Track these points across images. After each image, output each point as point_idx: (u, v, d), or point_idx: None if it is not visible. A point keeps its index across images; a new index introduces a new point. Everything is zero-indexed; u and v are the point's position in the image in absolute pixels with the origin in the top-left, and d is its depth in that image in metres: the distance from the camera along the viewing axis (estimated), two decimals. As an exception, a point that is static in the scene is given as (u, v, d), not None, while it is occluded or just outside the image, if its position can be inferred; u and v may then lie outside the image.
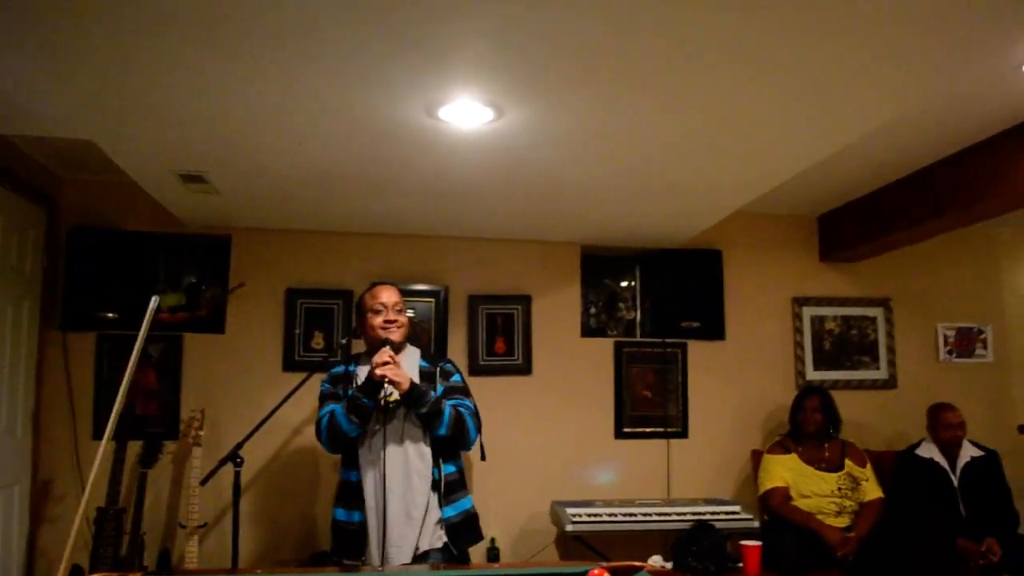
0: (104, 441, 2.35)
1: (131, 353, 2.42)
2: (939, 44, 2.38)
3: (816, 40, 2.33)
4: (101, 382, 4.56)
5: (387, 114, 2.96)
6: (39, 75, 2.70)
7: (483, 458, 3.43)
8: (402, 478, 3.18)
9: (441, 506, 3.20)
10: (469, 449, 3.30)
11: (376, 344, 3.28)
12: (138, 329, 2.47)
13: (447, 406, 3.18)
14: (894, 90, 2.73)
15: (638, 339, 5.22)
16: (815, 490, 4.43)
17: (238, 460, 3.98)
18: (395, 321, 3.32)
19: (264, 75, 2.64)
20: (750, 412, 5.19)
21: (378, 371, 3.07)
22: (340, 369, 3.45)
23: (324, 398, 3.38)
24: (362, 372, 3.32)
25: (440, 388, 3.30)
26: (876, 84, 2.67)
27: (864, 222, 4.95)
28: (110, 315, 4.44)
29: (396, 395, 3.06)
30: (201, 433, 4.28)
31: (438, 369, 3.38)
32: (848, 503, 4.42)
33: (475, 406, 3.34)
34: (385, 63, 2.54)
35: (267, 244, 4.80)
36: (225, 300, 4.74)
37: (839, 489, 4.44)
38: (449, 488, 3.25)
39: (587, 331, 5.19)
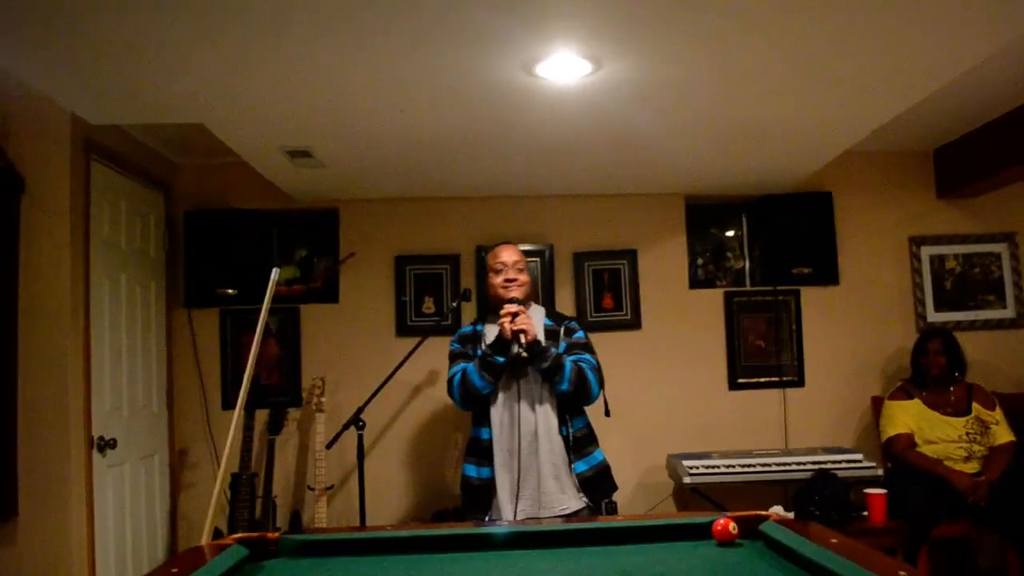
0: (237, 410, 2.47)
1: (252, 327, 2.53)
2: None
3: None
4: (226, 355, 4.79)
5: (484, 74, 2.98)
6: (154, 67, 2.82)
7: (607, 414, 3.44)
8: (532, 435, 3.23)
9: (572, 461, 3.24)
10: (592, 403, 3.32)
11: (498, 302, 3.32)
12: (257, 303, 2.58)
13: (568, 361, 3.20)
14: (1008, 13, 2.56)
15: (748, 288, 5.13)
16: (941, 435, 4.29)
17: (360, 424, 4.12)
18: (515, 280, 3.35)
19: (363, 43, 2.69)
20: (868, 358, 5.04)
21: (507, 323, 3.12)
22: (468, 329, 3.52)
23: (454, 357, 3.44)
24: (490, 330, 3.37)
25: (563, 345, 3.32)
26: (989, 7, 2.51)
27: (983, 154, 4.69)
28: (230, 291, 4.63)
29: (521, 344, 3.08)
30: (323, 400, 4.44)
31: (562, 328, 3.40)
32: (977, 448, 4.26)
33: (598, 362, 3.35)
34: (481, 21, 2.55)
35: (374, 214, 4.91)
36: (337, 271, 4.88)
37: (967, 434, 4.28)
38: (579, 443, 3.28)
39: (695, 282, 5.13)
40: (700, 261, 5.23)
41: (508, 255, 3.40)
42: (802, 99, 3.40)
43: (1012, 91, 4.07)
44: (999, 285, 5.16)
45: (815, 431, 4.96)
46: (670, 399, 4.93)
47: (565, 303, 4.88)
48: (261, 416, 4.55)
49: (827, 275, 4.99)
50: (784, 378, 5.02)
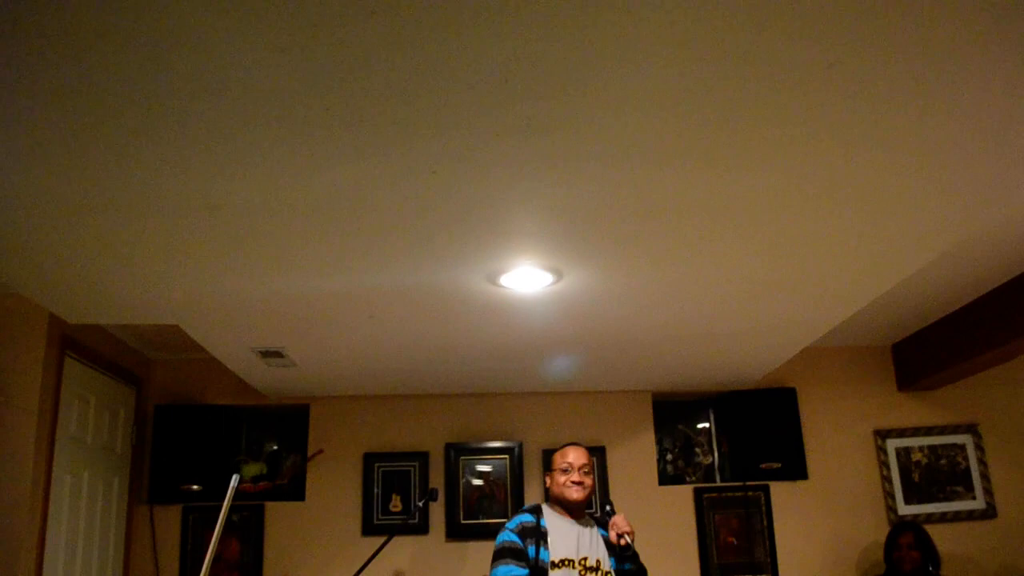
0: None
1: (215, 523, 2.50)
2: (1006, 164, 2.32)
3: (874, 164, 2.30)
4: (186, 553, 4.65)
5: (452, 285, 3.11)
6: (130, 271, 2.92)
7: None
8: None
9: None
10: None
11: (560, 500, 3.45)
12: (222, 499, 2.56)
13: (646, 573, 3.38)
14: (957, 215, 2.66)
15: (718, 484, 5.11)
16: (920, 635, 4.20)
17: (321, 630, 3.97)
18: (581, 483, 3.43)
19: (335, 260, 2.83)
20: (842, 552, 4.97)
21: (614, 527, 3.32)
22: (530, 519, 3.42)
23: (504, 553, 3.32)
24: (552, 526, 3.41)
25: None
26: (937, 211, 2.62)
27: (941, 347, 4.82)
28: (195, 487, 4.56)
29: (625, 541, 3.28)
30: (284, 603, 4.30)
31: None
32: (958, 648, 4.16)
33: None
34: (447, 239, 2.69)
35: (344, 411, 4.93)
36: (304, 467, 4.84)
37: (946, 633, 4.19)
38: None
39: (664, 478, 5.11)
40: (669, 456, 5.24)
41: (576, 457, 3.49)
42: (758, 304, 3.52)
43: (963, 287, 4.22)
44: (967, 476, 5.18)
45: (793, 630, 4.83)
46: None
47: (535, 500, 4.82)
48: (219, 620, 4.38)
49: (795, 470, 4.99)
50: (759, 575, 4.92)
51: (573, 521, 3.44)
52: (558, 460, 3.51)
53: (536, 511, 3.49)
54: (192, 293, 3.15)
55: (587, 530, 3.43)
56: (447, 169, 2.21)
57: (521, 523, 3.41)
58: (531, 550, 3.33)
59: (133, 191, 2.30)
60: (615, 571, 3.34)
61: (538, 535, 3.35)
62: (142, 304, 3.31)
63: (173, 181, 2.24)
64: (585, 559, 3.34)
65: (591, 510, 3.49)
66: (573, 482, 3.41)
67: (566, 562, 3.31)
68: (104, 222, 2.51)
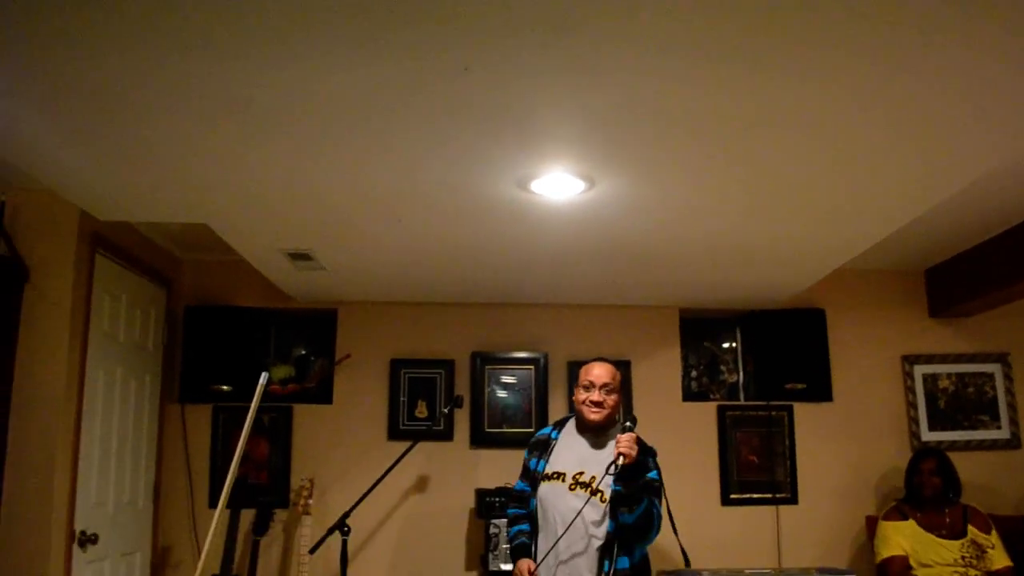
0: (218, 510, 2.45)
1: (244, 423, 2.54)
2: None
3: (915, 86, 2.26)
4: (216, 452, 4.76)
5: (481, 190, 3.07)
6: (161, 167, 2.92)
7: (687, 564, 3.34)
8: (568, 546, 3.16)
9: None
10: (645, 545, 3.27)
11: (579, 419, 3.35)
12: (251, 400, 2.60)
13: (646, 500, 3.10)
14: (997, 139, 2.62)
15: (742, 402, 5.12)
16: (936, 559, 4.22)
17: (345, 529, 4.07)
18: (600, 403, 3.27)
19: (367, 160, 2.80)
20: (862, 476, 5.00)
21: (618, 445, 3.05)
22: (545, 431, 3.51)
23: (522, 469, 3.49)
24: (563, 440, 3.38)
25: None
26: (976, 131, 2.56)
27: (975, 275, 4.75)
28: (225, 388, 4.63)
29: (622, 460, 3.02)
30: (310, 502, 4.40)
31: (642, 462, 3.21)
32: (974, 572, 4.18)
33: (660, 510, 3.19)
34: (478, 142, 2.65)
35: (371, 316, 4.96)
36: (332, 371, 4.90)
37: (963, 558, 4.21)
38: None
39: (688, 395, 5.13)
40: (694, 374, 5.24)
41: (599, 374, 3.30)
42: (791, 221, 3.47)
43: (1002, 213, 4.15)
44: (993, 405, 5.16)
45: (809, 550, 4.88)
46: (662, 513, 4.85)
47: (559, 412, 4.86)
48: (247, 516, 4.50)
49: (820, 391, 4.99)
50: (777, 495, 4.96)
51: (586, 439, 3.35)
52: (582, 375, 3.36)
53: (560, 424, 3.49)
54: (221, 191, 3.14)
55: (599, 451, 3.27)
56: (480, 68, 2.15)
57: (538, 437, 3.48)
58: (532, 462, 3.38)
59: (163, 86, 2.28)
60: (613, 491, 3.14)
61: (545, 448, 3.36)
62: (171, 202, 3.32)
63: (204, 76, 2.21)
64: (580, 474, 3.22)
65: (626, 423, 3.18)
66: (592, 401, 3.26)
67: (556, 475, 3.26)
68: (134, 118, 2.50)
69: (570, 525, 3.09)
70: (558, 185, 3.00)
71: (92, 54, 2.10)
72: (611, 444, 3.17)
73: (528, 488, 3.37)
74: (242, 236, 3.74)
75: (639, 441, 3.14)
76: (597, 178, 2.95)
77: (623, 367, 4.95)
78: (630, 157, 2.78)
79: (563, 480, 3.24)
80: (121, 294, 4.09)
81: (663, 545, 4.74)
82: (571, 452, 3.32)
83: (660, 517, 3.16)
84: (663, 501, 3.24)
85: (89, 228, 3.63)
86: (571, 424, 3.46)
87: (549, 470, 3.30)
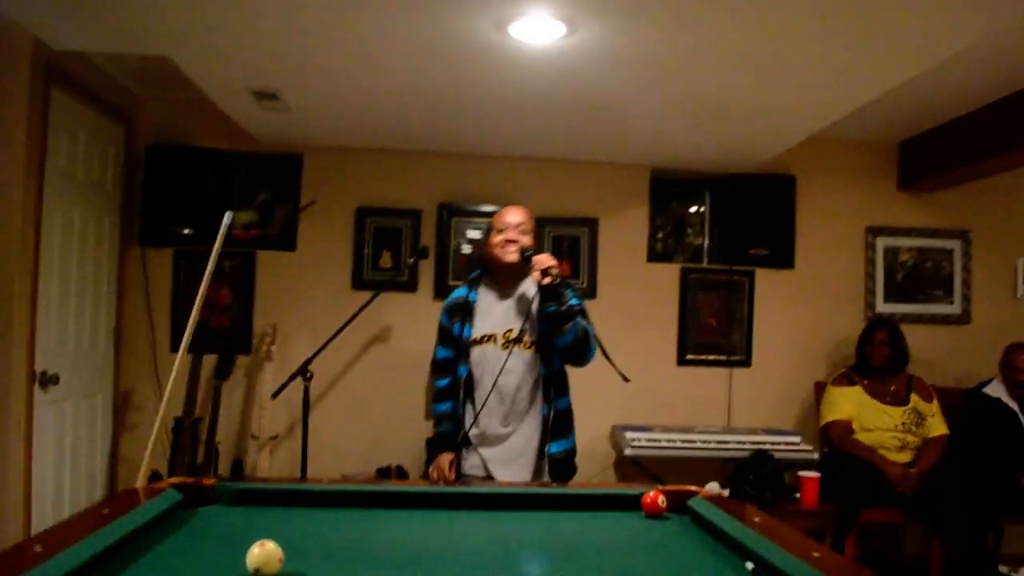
0: (180, 353, 2.45)
1: (206, 268, 2.51)
2: None
3: None
4: (178, 296, 4.73)
5: (456, 29, 2.96)
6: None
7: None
8: (523, 408, 3.15)
9: (547, 442, 3.12)
10: (586, 364, 3.13)
11: (496, 265, 3.19)
12: (213, 245, 2.56)
13: (579, 318, 3.01)
14: (977, 12, 2.59)
15: (705, 266, 5.16)
16: (878, 424, 4.39)
17: (308, 375, 4.11)
18: (516, 241, 3.12)
19: (337, -6, 2.65)
20: (816, 343, 5.13)
21: (536, 264, 2.95)
22: (461, 293, 3.30)
23: (440, 336, 3.32)
24: (482, 299, 3.23)
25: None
26: (955, 7, 2.54)
27: (947, 149, 4.75)
28: (186, 231, 4.57)
29: (549, 279, 2.93)
30: (273, 348, 4.43)
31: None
32: (911, 439, 4.37)
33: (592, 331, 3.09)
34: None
35: (338, 163, 4.86)
36: (296, 218, 4.83)
37: (903, 424, 4.38)
38: (560, 424, 3.16)
39: (653, 256, 5.14)
40: (660, 235, 5.24)
41: (512, 216, 3.18)
42: (770, 80, 3.42)
43: (979, 89, 4.13)
44: (949, 281, 5.27)
45: (758, 412, 5.06)
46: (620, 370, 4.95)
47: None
48: (209, 361, 4.52)
49: (783, 258, 5.06)
50: (732, 357, 5.09)
51: (505, 293, 3.22)
52: (495, 221, 3.24)
53: (473, 283, 3.32)
54: (184, 22, 3.00)
55: (517, 302, 3.18)
56: None
57: (453, 300, 3.31)
58: (456, 328, 3.24)
59: None
60: (544, 315, 3.04)
61: (465, 311, 3.22)
62: (132, 31, 3.17)
63: None
64: (509, 331, 3.14)
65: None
66: (508, 240, 3.12)
67: (486, 338, 3.17)
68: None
69: (494, 387, 3.10)
70: (537, 28, 2.89)
71: None
72: (526, 287, 3.16)
73: (452, 354, 3.25)
74: (206, 72, 3.59)
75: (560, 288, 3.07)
76: (578, 22, 2.85)
77: (590, 224, 4.96)
78: (614, 1, 2.68)
79: (495, 342, 3.15)
80: (78, 131, 3.94)
81: (618, 395, 4.88)
82: (494, 311, 3.21)
83: (594, 335, 3.07)
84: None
85: (43, 59, 3.45)
86: (484, 283, 3.30)
87: (477, 334, 3.18)
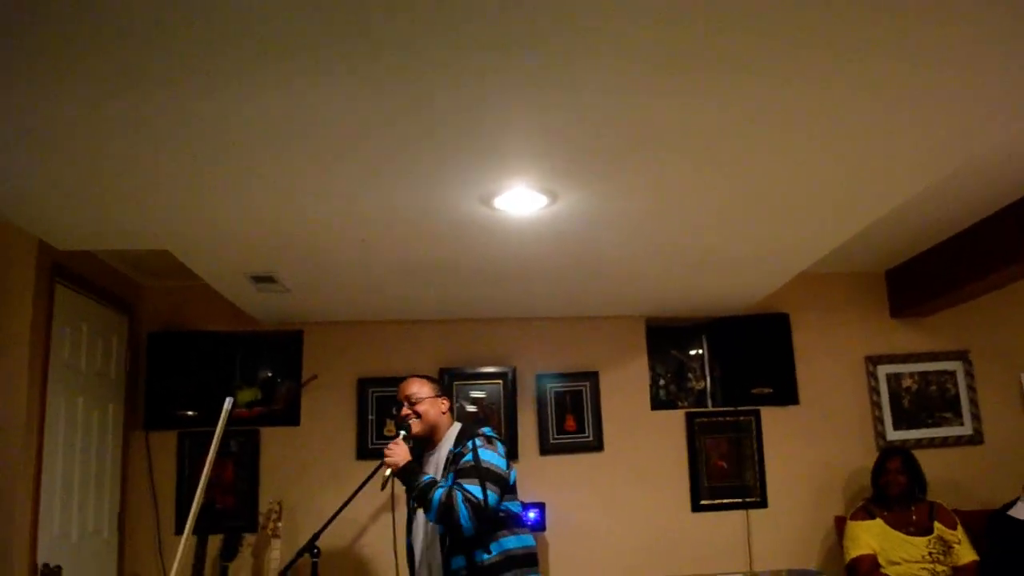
0: (185, 535, 2.43)
1: (209, 451, 2.52)
2: (996, 88, 2.30)
3: (870, 93, 2.30)
4: (183, 478, 4.69)
5: (445, 207, 3.07)
6: (120, 195, 2.89)
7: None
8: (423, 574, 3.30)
9: None
10: (464, 535, 3.08)
11: None
12: (217, 425, 2.58)
13: (439, 491, 3.08)
14: (952, 140, 2.65)
15: (709, 409, 5.16)
16: (904, 556, 4.28)
17: (315, 551, 4.02)
18: (408, 415, 3.39)
19: (327, 180, 2.79)
20: (830, 477, 5.06)
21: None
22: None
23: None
24: (427, 459, 3.44)
25: (451, 476, 3.20)
26: (930, 138, 2.61)
27: (934, 275, 4.84)
28: (190, 413, 4.58)
29: (388, 472, 3.23)
30: (279, 525, 4.35)
31: (461, 450, 3.25)
32: (940, 568, 4.25)
33: (483, 491, 3.05)
34: (441, 160, 2.65)
35: (337, 336, 4.93)
36: (299, 393, 4.85)
37: (930, 554, 4.27)
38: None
39: (657, 404, 5.15)
40: (661, 382, 5.27)
41: (402, 390, 3.46)
42: (753, 228, 3.51)
43: (958, 213, 4.22)
44: (956, 402, 5.24)
45: (779, 552, 4.92)
46: (633, 521, 4.88)
47: (528, 424, 4.88)
48: (215, 541, 4.44)
49: (787, 395, 5.05)
50: (747, 499, 5.00)
51: (430, 452, 3.44)
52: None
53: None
54: (182, 218, 3.12)
55: (438, 457, 3.39)
56: (441, 91, 2.16)
57: None
58: None
59: (120, 115, 2.26)
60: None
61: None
62: (132, 229, 3.29)
63: (162, 104, 2.20)
64: None
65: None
66: (403, 415, 3.41)
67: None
68: (91, 146, 2.47)
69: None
70: (521, 201, 3.00)
71: (46, 85, 2.08)
72: (439, 452, 3.38)
73: None
74: (204, 261, 3.71)
75: (463, 431, 3.34)
76: (559, 192, 2.96)
77: (591, 378, 4.98)
78: (592, 170, 2.80)
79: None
80: (82, 323, 4.02)
81: (634, 546, 4.77)
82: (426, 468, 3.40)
83: (470, 502, 3.01)
84: (484, 480, 3.09)
85: (48, 258, 3.56)
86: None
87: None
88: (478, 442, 3.21)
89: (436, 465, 3.34)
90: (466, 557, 3.11)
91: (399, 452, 3.22)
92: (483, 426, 3.36)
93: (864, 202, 3.27)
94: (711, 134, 2.54)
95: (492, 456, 3.18)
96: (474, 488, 3.04)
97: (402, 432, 3.32)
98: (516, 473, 3.36)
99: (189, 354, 4.65)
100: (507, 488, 3.22)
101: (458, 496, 3.03)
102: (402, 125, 2.37)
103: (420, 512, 3.25)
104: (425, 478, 3.17)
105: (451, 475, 3.17)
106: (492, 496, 3.07)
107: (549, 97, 2.23)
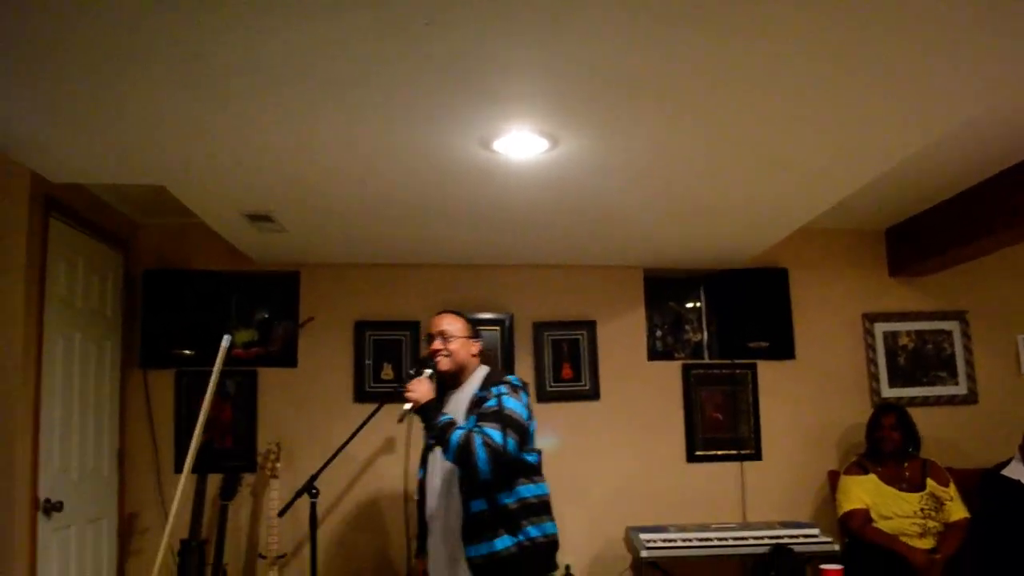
0: (183, 475, 2.44)
1: (208, 387, 2.52)
2: (1000, 50, 2.29)
3: (874, 44, 2.26)
4: (181, 417, 4.71)
5: (442, 148, 3.04)
6: (116, 129, 2.85)
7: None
8: (439, 514, 3.25)
9: (464, 545, 3.11)
10: (480, 479, 3.03)
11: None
12: (214, 365, 2.57)
13: (457, 432, 3.02)
14: (957, 95, 2.63)
15: (706, 361, 5.18)
16: (896, 511, 4.31)
17: (314, 491, 4.07)
18: (440, 349, 3.31)
19: (326, 119, 2.75)
20: (825, 432, 5.08)
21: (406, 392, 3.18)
22: None
23: None
24: (449, 396, 3.38)
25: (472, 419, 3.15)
26: (932, 95, 2.60)
27: (934, 234, 4.82)
28: (187, 352, 4.58)
29: (407, 406, 3.16)
30: (278, 465, 4.38)
31: (485, 395, 3.22)
32: (932, 524, 4.28)
33: (504, 436, 3.02)
34: (440, 101, 2.62)
35: (334, 279, 4.91)
36: (296, 334, 4.86)
37: (921, 510, 4.31)
38: (476, 527, 3.10)
39: (653, 354, 5.16)
40: (659, 333, 5.27)
41: (435, 324, 3.39)
42: (753, 180, 3.48)
43: (960, 173, 4.20)
44: (951, 362, 5.25)
45: (772, 505, 4.97)
46: (629, 471, 4.91)
47: (524, 373, 4.87)
48: (214, 480, 4.48)
49: (783, 350, 5.05)
50: (742, 451, 5.03)
51: (453, 391, 3.38)
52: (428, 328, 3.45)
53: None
54: (178, 152, 3.08)
55: (460, 398, 3.31)
56: (442, 23, 2.12)
57: None
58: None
59: (118, 47, 2.23)
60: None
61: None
62: (127, 163, 3.25)
63: (159, 36, 2.16)
64: None
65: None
66: (434, 350, 3.33)
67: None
68: (87, 78, 2.44)
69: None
70: (521, 144, 2.97)
71: (45, 14, 2.04)
72: (465, 390, 3.32)
73: None
74: (200, 199, 3.68)
75: (490, 376, 3.29)
76: (560, 137, 2.93)
77: (588, 327, 4.98)
78: (593, 116, 2.77)
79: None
80: (77, 258, 4.00)
81: (630, 496, 4.81)
82: (446, 408, 3.28)
83: (489, 446, 2.98)
84: (506, 426, 3.05)
85: (41, 191, 3.53)
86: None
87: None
88: (504, 389, 3.18)
89: (457, 405, 3.28)
90: (487, 500, 3.09)
91: (422, 389, 3.16)
92: (510, 373, 3.32)
93: (862, 161, 3.26)
94: (710, 86, 2.52)
95: (516, 404, 3.14)
96: (495, 432, 3.01)
97: (427, 370, 3.25)
98: (536, 425, 3.30)
99: (185, 293, 4.63)
100: (527, 438, 3.19)
101: (477, 439, 2.98)
102: (401, 65, 2.33)
103: (437, 451, 3.21)
104: (444, 418, 3.11)
105: (472, 418, 3.13)
106: (511, 443, 3.04)
107: (553, 39, 2.20)
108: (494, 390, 3.17)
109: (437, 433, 3.07)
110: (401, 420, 3.22)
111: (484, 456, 2.96)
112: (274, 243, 4.36)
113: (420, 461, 3.44)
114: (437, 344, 3.32)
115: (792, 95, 2.61)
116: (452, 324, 3.36)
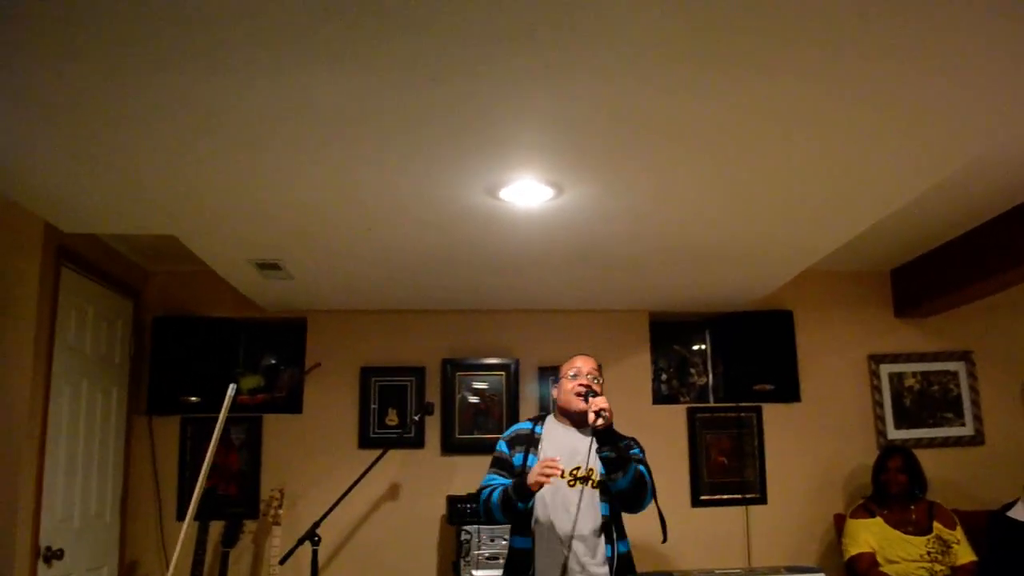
0: (186, 521, 2.44)
1: (213, 434, 2.53)
2: (998, 91, 2.30)
3: (871, 95, 2.30)
4: (185, 464, 4.71)
5: (449, 197, 3.08)
6: (129, 181, 2.90)
7: (664, 539, 3.20)
8: (581, 555, 3.11)
9: None
10: (640, 510, 3.14)
11: (567, 410, 3.26)
12: (219, 411, 2.58)
13: (635, 464, 3.05)
14: (957, 142, 2.67)
15: (711, 404, 5.17)
16: (903, 555, 4.28)
17: (315, 539, 4.06)
18: (589, 386, 3.21)
19: (335, 170, 2.80)
20: (831, 475, 5.06)
21: (593, 404, 3.02)
22: (525, 426, 3.39)
23: (494, 463, 3.32)
24: (549, 432, 3.30)
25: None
26: (936, 137, 2.61)
27: (939, 275, 4.83)
28: (193, 399, 4.59)
29: (599, 421, 2.98)
30: (280, 512, 4.37)
31: (629, 443, 3.26)
32: (939, 568, 4.25)
33: (650, 478, 3.14)
34: (449, 151, 2.66)
35: (341, 325, 4.94)
36: (302, 380, 4.87)
37: (928, 553, 4.28)
38: (623, 568, 3.12)
39: (659, 398, 5.16)
40: (664, 376, 5.28)
41: (583, 363, 3.32)
42: (760, 222, 3.50)
43: (965, 213, 4.20)
44: (957, 403, 5.24)
45: (778, 549, 4.93)
46: (632, 515, 4.87)
47: (530, 417, 4.86)
48: (216, 527, 4.46)
49: (788, 392, 5.04)
50: (747, 495, 5.01)
51: (575, 430, 3.27)
52: (566, 368, 3.33)
53: (538, 419, 3.41)
54: (189, 203, 3.13)
55: (588, 439, 3.14)
56: (447, 78, 2.16)
57: (515, 431, 3.38)
58: (518, 458, 3.24)
59: (132, 100, 2.27)
60: (601, 459, 3.05)
61: (530, 442, 3.26)
62: (138, 214, 3.30)
63: (173, 91, 2.21)
64: (577, 469, 3.14)
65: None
66: (582, 385, 3.20)
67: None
68: (101, 130, 2.48)
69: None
70: (526, 192, 3.01)
71: (61, 67, 2.09)
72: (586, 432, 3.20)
73: (508, 481, 3.18)
74: (210, 247, 3.72)
75: (614, 432, 3.12)
76: (565, 185, 2.97)
77: (594, 371, 4.97)
78: (597, 163, 2.80)
79: (562, 476, 3.10)
80: (87, 307, 4.04)
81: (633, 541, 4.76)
82: (562, 445, 3.21)
83: (651, 483, 3.12)
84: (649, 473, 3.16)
85: (54, 240, 3.58)
86: (551, 419, 3.38)
87: None
88: (636, 442, 3.30)
89: (574, 442, 3.21)
90: (627, 544, 3.20)
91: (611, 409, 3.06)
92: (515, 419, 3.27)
93: (866, 203, 3.27)
94: (715, 130, 2.54)
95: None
96: (649, 477, 3.12)
97: (588, 389, 3.18)
98: None
99: (193, 340, 4.66)
100: None
101: (647, 476, 3.08)
102: (408, 114, 2.37)
103: (570, 493, 3.12)
104: (625, 441, 3.14)
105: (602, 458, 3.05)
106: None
107: (557, 87, 2.23)
108: (628, 439, 3.26)
109: (623, 455, 3.03)
110: (595, 431, 3.03)
111: (650, 493, 3.08)
112: (282, 290, 4.39)
113: (519, 493, 3.08)
114: (585, 380, 3.24)
115: (799, 138, 2.62)
116: (594, 366, 3.35)
